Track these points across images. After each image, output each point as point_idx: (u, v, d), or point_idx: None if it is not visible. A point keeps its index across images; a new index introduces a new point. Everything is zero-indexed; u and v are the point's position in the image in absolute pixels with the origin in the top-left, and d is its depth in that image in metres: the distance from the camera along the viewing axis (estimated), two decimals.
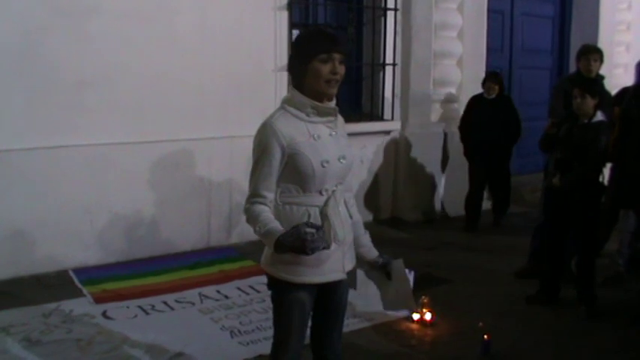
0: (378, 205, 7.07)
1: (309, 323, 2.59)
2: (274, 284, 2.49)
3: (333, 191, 2.40)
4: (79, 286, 4.83)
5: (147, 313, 4.39)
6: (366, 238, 2.66)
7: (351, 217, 2.54)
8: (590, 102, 4.31)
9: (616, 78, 8.81)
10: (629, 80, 6.30)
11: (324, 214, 2.38)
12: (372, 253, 2.66)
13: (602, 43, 9.01)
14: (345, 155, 2.42)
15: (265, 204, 2.37)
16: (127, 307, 4.46)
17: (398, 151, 7.17)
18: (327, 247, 2.27)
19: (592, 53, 5.18)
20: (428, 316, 4.23)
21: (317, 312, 2.58)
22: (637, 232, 5.32)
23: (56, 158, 5.05)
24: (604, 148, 4.32)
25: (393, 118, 7.08)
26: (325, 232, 2.28)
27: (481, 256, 5.72)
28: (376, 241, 2.69)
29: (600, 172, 4.40)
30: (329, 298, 2.55)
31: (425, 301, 4.26)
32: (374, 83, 7.03)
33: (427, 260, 5.58)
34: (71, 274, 5.03)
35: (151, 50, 5.42)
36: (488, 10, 7.49)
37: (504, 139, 6.55)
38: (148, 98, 5.44)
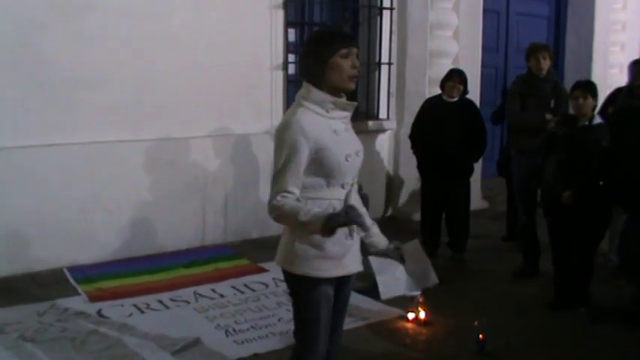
0: (372, 203, 7.05)
1: None
2: (297, 282, 2.47)
3: (352, 184, 2.48)
4: (74, 284, 4.82)
5: (142, 312, 4.38)
6: (375, 227, 2.68)
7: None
8: (591, 103, 4.33)
9: (611, 78, 8.85)
10: (624, 80, 6.31)
11: (350, 206, 2.38)
12: (383, 241, 2.68)
13: (598, 43, 9.11)
14: (360, 149, 2.50)
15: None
16: (122, 306, 4.45)
17: (393, 149, 7.19)
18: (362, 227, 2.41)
19: (540, 51, 5.11)
20: (422, 314, 4.23)
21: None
22: (626, 232, 5.33)
23: (51, 156, 5.04)
24: (608, 150, 4.30)
25: (388, 117, 7.10)
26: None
27: (476, 255, 5.72)
28: None
29: (605, 174, 4.36)
30: (342, 292, 2.57)
31: (420, 300, 4.26)
32: (370, 82, 7.05)
33: None
34: (66, 272, 5.02)
35: (147, 48, 5.41)
36: (484, 10, 7.51)
37: (467, 151, 5.45)
38: (144, 96, 5.43)
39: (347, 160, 2.39)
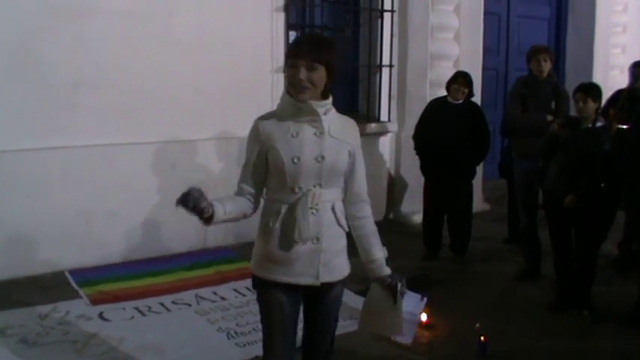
0: (373, 206, 7.03)
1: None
2: (255, 282, 2.54)
3: (309, 190, 2.39)
4: (76, 287, 4.82)
5: (143, 315, 4.38)
6: (378, 254, 2.57)
7: (340, 225, 2.50)
8: (592, 106, 4.32)
9: (612, 80, 8.85)
10: (625, 82, 6.31)
11: (290, 210, 2.39)
12: (381, 270, 2.56)
13: (598, 45, 9.12)
14: (324, 155, 2.38)
15: (241, 195, 2.51)
16: (124, 309, 4.45)
17: (394, 152, 7.19)
18: (202, 211, 2.41)
19: (541, 53, 5.12)
20: (424, 317, 4.22)
21: (305, 316, 2.59)
22: (628, 234, 5.33)
23: (52, 159, 5.04)
24: (610, 153, 4.31)
25: (389, 120, 7.10)
26: (199, 198, 2.39)
27: (477, 258, 5.72)
28: None
29: (607, 177, 4.36)
30: (316, 304, 2.54)
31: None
32: (371, 85, 7.05)
33: (424, 262, 5.58)
34: (67, 275, 5.02)
35: (148, 51, 5.42)
36: (485, 12, 7.52)
37: (470, 153, 5.47)
38: (145, 99, 5.44)
39: (293, 162, 2.36)
